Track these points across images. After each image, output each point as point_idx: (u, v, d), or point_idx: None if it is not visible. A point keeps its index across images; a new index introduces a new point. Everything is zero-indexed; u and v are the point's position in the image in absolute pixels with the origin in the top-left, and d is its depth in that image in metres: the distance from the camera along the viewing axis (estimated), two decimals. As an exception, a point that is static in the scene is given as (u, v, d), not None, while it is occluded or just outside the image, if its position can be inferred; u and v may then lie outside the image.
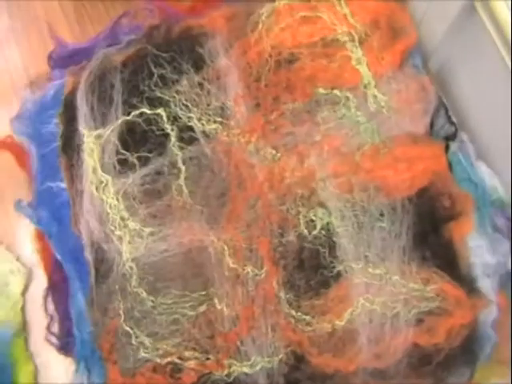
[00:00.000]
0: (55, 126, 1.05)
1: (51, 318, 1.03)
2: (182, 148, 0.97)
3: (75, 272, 0.98)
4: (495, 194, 0.98)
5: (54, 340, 1.01)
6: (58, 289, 1.02)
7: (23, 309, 1.09)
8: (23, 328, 1.08)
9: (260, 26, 1.03)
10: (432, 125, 0.97)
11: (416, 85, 0.98)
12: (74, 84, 1.06)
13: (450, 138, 0.97)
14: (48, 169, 1.04)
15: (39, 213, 1.03)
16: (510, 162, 0.95)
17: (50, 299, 1.04)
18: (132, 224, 0.94)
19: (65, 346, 1.01)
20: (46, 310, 1.03)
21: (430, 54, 1.07)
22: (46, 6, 1.35)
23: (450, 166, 0.96)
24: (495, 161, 1.00)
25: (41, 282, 1.07)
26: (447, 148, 0.97)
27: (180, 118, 0.99)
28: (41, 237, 1.04)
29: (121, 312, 0.92)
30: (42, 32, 1.28)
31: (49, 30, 1.21)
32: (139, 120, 0.99)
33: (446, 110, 0.98)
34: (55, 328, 1.02)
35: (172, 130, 0.98)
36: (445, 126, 0.97)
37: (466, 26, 0.97)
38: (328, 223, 0.93)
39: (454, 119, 0.99)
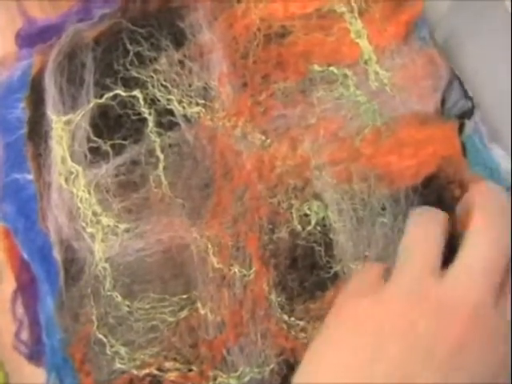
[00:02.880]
0: (22, 110, 0.96)
1: (20, 323, 0.94)
2: (160, 134, 0.89)
3: (44, 273, 0.90)
4: (510, 179, 0.88)
5: (22, 348, 0.93)
6: (26, 291, 0.94)
7: (-8, 313, 1.00)
8: (-8, 334, 1.00)
9: (247, -5, 0.94)
10: (443, 102, 0.87)
11: (423, 59, 0.88)
12: (42, 64, 0.96)
13: (465, 116, 0.87)
14: (14, 159, 0.95)
15: (5, 208, 0.94)
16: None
17: (19, 302, 0.95)
18: (105, 220, 0.86)
19: (35, 354, 0.92)
20: (14, 314, 0.95)
21: (435, 24, 0.97)
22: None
23: (463, 149, 0.86)
24: (507, 142, 0.89)
25: (11, 283, 0.98)
26: (461, 128, 0.86)
27: (158, 100, 0.90)
28: (7, 234, 0.96)
29: (93, 318, 0.84)
30: (11, 10, 1.18)
31: (18, 7, 1.11)
32: (113, 103, 0.90)
33: (461, 84, 0.87)
34: (25, 335, 0.94)
35: (149, 113, 0.89)
36: (459, 103, 0.87)
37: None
38: (324, 218, 0.85)
39: (470, 93, 0.88)
